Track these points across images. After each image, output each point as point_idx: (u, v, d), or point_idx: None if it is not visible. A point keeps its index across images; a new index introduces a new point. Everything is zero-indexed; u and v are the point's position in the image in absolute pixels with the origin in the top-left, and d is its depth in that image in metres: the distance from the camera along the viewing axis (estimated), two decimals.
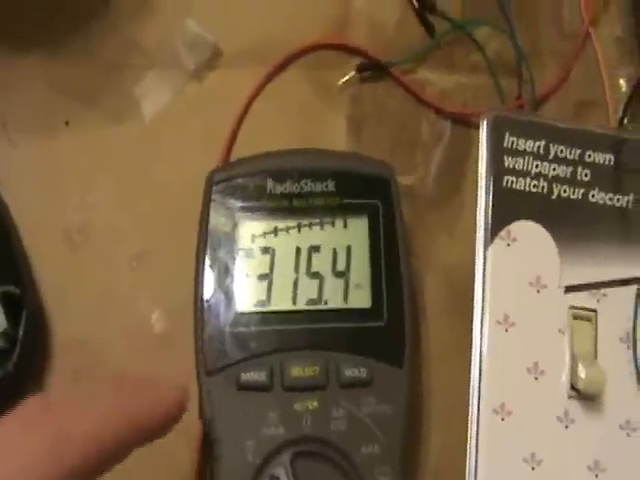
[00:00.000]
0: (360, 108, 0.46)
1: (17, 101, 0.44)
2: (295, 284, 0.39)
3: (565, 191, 0.43)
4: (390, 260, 0.39)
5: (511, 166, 0.43)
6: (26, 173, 0.43)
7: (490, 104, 0.45)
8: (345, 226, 0.39)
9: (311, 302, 0.38)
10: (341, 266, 0.39)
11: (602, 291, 0.42)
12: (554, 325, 0.41)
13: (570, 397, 0.41)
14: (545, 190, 0.43)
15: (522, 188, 0.43)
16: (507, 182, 0.43)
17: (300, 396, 0.37)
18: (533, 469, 0.40)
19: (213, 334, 0.37)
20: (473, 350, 0.41)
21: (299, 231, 0.39)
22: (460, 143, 0.45)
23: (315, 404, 0.37)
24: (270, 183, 0.40)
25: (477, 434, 0.40)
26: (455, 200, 0.44)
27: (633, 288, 0.42)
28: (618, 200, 0.43)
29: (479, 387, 0.41)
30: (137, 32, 0.45)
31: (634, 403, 0.41)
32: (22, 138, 0.44)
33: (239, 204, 0.39)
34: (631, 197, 0.44)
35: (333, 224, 0.39)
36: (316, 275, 0.39)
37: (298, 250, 0.39)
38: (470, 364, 0.41)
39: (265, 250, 0.39)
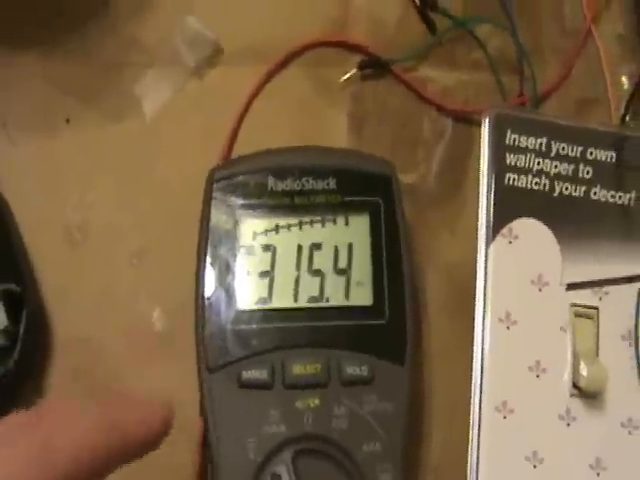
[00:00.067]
0: (361, 106, 0.45)
1: (17, 100, 0.44)
2: (296, 281, 0.39)
3: (567, 188, 0.43)
4: (391, 258, 0.39)
5: (513, 163, 0.43)
6: (26, 171, 0.43)
7: (492, 101, 0.45)
8: (346, 223, 0.39)
9: (312, 300, 0.38)
10: (342, 264, 0.39)
11: (604, 289, 0.42)
12: (556, 323, 0.41)
13: (572, 395, 0.41)
14: (547, 188, 0.43)
15: (524, 185, 0.43)
16: (509, 179, 0.43)
17: (301, 394, 0.37)
18: (535, 467, 0.40)
19: (214, 332, 0.37)
20: (475, 348, 0.41)
21: (300, 228, 0.39)
22: (462, 141, 0.45)
23: (316, 402, 0.37)
24: (271, 180, 0.39)
25: (479, 432, 0.40)
26: (457, 198, 0.44)
27: (635, 286, 0.42)
28: (620, 198, 0.43)
29: (481, 385, 0.40)
30: (137, 30, 0.45)
31: (636, 401, 0.41)
32: (22, 136, 0.44)
33: (240, 202, 0.39)
34: (633, 195, 0.44)
35: (334, 221, 0.39)
36: (317, 272, 0.39)
37: (299, 247, 0.39)
38: (472, 362, 0.41)
39: (266, 247, 0.39)
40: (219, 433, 0.36)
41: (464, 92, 0.46)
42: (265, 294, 0.38)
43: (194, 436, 0.39)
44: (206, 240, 0.39)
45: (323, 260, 0.39)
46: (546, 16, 0.48)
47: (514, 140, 0.44)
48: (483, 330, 0.41)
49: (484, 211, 0.43)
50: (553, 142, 0.44)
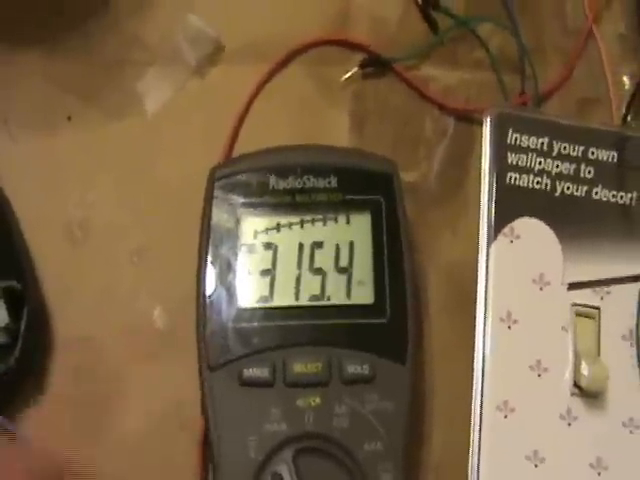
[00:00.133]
0: (363, 104, 0.45)
1: (18, 97, 0.44)
2: (298, 280, 0.38)
3: (568, 188, 0.43)
4: (393, 256, 0.39)
5: (514, 163, 0.43)
6: (27, 169, 0.43)
7: (493, 100, 0.45)
8: (348, 222, 0.39)
9: (314, 298, 0.38)
10: (344, 262, 0.39)
11: (605, 288, 0.42)
12: (557, 322, 0.41)
13: (573, 394, 0.41)
14: (548, 187, 0.43)
15: (525, 185, 0.43)
16: (510, 179, 0.43)
17: (303, 392, 0.37)
18: (536, 466, 0.40)
19: (215, 330, 0.37)
20: (476, 347, 0.41)
21: (302, 227, 0.39)
22: (463, 139, 0.45)
23: (318, 400, 0.37)
24: (272, 179, 0.39)
25: (480, 431, 0.40)
26: (458, 197, 0.44)
27: (636, 285, 0.42)
28: (621, 197, 0.43)
29: (482, 384, 0.40)
30: (138, 28, 0.45)
31: (637, 400, 0.41)
32: (23, 134, 0.43)
33: (241, 200, 0.39)
34: (634, 194, 0.44)
35: (336, 220, 0.39)
36: (319, 271, 0.39)
37: (301, 246, 0.39)
38: (473, 361, 0.41)
39: (268, 246, 0.39)
40: (220, 431, 0.36)
41: (466, 91, 0.46)
42: (266, 292, 0.38)
43: (195, 434, 0.39)
44: (207, 238, 0.39)
45: (324, 258, 0.39)
46: (548, 15, 0.48)
47: (516, 139, 0.44)
48: (484, 329, 0.41)
49: (485, 210, 0.43)
50: (555, 142, 0.44)
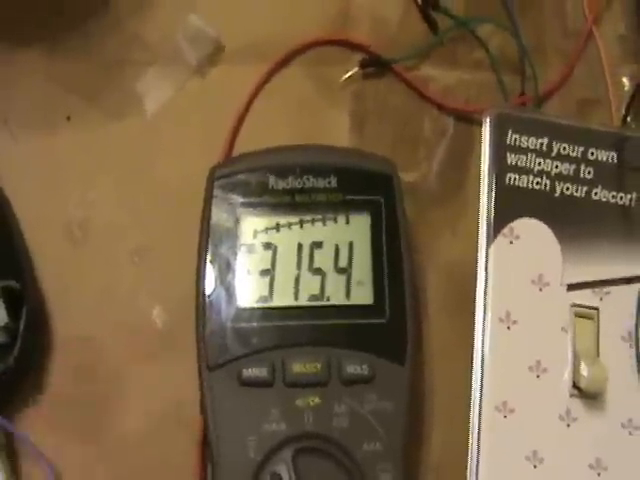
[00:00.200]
0: (362, 104, 0.45)
1: (18, 97, 0.44)
2: (297, 280, 0.38)
3: (568, 189, 0.43)
4: (392, 257, 0.39)
5: (514, 163, 0.43)
6: (27, 168, 0.43)
7: (493, 101, 0.45)
8: (347, 222, 0.39)
9: (313, 298, 0.38)
10: (343, 262, 0.39)
11: (605, 289, 0.42)
12: (556, 323, 0.41)
13: (572, 395, 0.41)
14: (548, 188, 0.43)
15: (525, 185, 0.43)
16: (510, 179, 0.43)
17: (302, 392, 0.37)
18: (535, 467, 0.40)
19: (215, 330, 0.37)
20: (475, 348, 0.41)
21: (301, 227, 0.39)
22: (463, 140, 0.45)
23: (317, 400, 0.37)
24: (272, 179, 0.39)
25: (479, 432, 0.40)
26: (458, 197, 0.44)
27: (636, 286, 0.42)
28: (621, 198, 0.43)
29: (481, 385, 0.40)
30: (138, 27, 0.45)
31: (636, 401, 0.41)
32: (23, 134, 0.43)
33: (241, 200, 0.39)
34: (634, 195, 0.43)
35: (335, 220, 0.39)
36: (318, 271, 0.39)
37: (300, 246, 0.39)
38: (472, 362, 0.41)
39: (267, 246, 0.39)
40: (219, 431, 0.36)
41: (465, 91, 0.46)
42: (266, 292, 0.38)
43: (194, 434, 0.39)
44: (207, 238, 0.39)
45: (324, 259, 0.39)
46: (547, 16, 0.48)
47: (515, 140, 0.43)
48: (483, 330, 0.41)
49: (485, 211, 0.43)
50: (554, 142, 0.44)
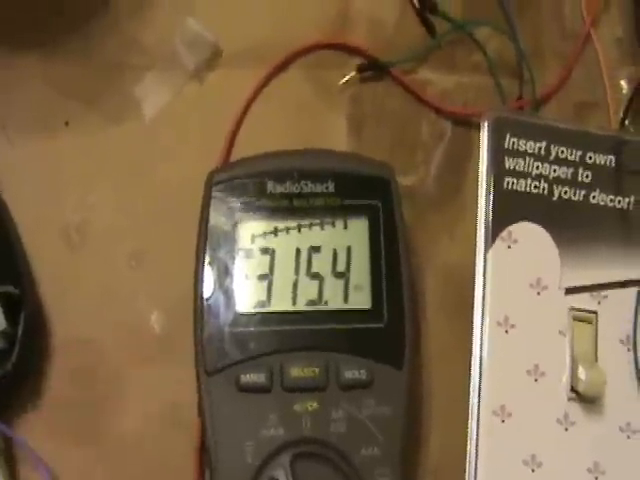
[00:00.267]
0: (360, 108, 0.45)
1: (16, 101, 0.44)
2: (295, 285, 0.38)
3: (566, 192, 0.43)
4: (390, 261, 0.39)
5: (512, 167, 0.43)
6: (25, 173, 0.43)
7: (491, 104, 0.45)
8: (345, 227, 0.39)
9: (311, 303, 0.38)
10: (341, 267, 0.39)
11: (603, 293, 0.42)
12: (554, 327, 0.41)
13: (570, 399, 0.41)
14: (546, 191, 0.43)
15: (523, 189, 0.43)
16: (508, 183, 0.43)
17: (300, 397, 0.37)
18: (533, 471, 0.40)
19: (213, 334, 0.37)
20: (473, 352, 0.41)
21: (299, 231, 0.39)
22: (461, 143, 0.45)
23: (315, 405, 0.37)
24: (270, 183, 0.39)
25: (477, 436, 0.40)
26: (456, 201, 0.44)
27: (634, 290, 0.42)
28: (619, 202, 0.43)
29: (479, 389, 0.40)
30: (137, 31, 0.45)
31: (634, 405, 0.41)
32: (22, 138, 0.43)
33: (239, 204, 0.39)
34: (632, 199, 0.44)
35: (333, 225, 0.39)
36: (316, 276, 0.39)
37: (298, 251, 0.39)
38: (470, 366, 0.41)
39: (265, 250, 0.39)
40: (217, 436, 0.36)
41: (463, 95, 0.46)
42: (264, 297, 0.38)
43: (193, 438, 0.39)
44: (205, 243, 0.39)
45: (322, 263, 0.39)
46: (545, 19, 0.48)
47: (513, 144, 0.44)
48: (482, 334, 0.41)
49: (483, 215, 0.43)
50: (552, 146, 0.44)
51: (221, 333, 0.37)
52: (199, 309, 0.38)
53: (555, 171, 0.43)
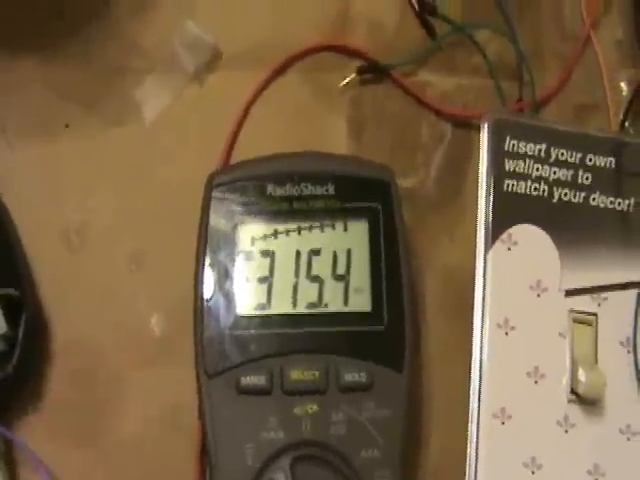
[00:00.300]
0: (360, 110, 0.45)
1: (16, 105, 0.44)
2: (295, 287, 0.38)
3: (566, 194, 0.43)
4: (390, 263, 0.39)
5: (512, 169, 0.43)
6: (25, 176, 0.43)
7: (491, 106, 0.45)
8: (345, 229, 0.39)
9: (311, 305, 0.38)
10: (341, 269, 0.39)
11: (603, 295, 0.42)
12: (554, 329, 0.41)
13: (570, 401, 0.41)
14: (546, 193, 0.43)
15: (523, 191, 0.43)
16: (508, 185, 0.43)
17: (300, 400, 0.37)
18: (533, 473, 0.40)
19: (213, 337, 0.37)
20: (473, 354, 0.41)
21: (299, 234, 0.39)
22: (461, 145, 0.45)
23: (315, 408, 0.37)
24: (270, 186, 0.39)
25: (477, 438, 0.40)
26: (456, 203, 0.44)
27: (634, 292, 0.42)
28: (619, 204, 0.43)
29: (479, 391, 0.40)
30: (136, 34, 0.45)
31: (634, 407, 0.41)
32: (22, 142, 0.43)
33: (239, 207, 0.39)
34: (632, 201, 0.44)
35: (333, 227, 0.39)
36: (316, 278, 0.39)
37: (298, 253, 0.39)
38: (470, 368, 0.41)
39: (265, 253, 0.39)
40: (217, 438, 0.37)
41: (463, 97, 0.46)
42: (264, 300, 0.38)
43: (193, 440, 0.39)
44: (205, 245, 0.39)
45: (322, 266, 0.39)
46: (545, 21, 0.48)
47: (513, 146, 0.44)
48: (482, 336, 0.41)
49: (483, 217, 0.43)
50: (552, 148, 0.44)
51: (221, 336, 0.37)
52: (199, 312, 0.38)
53: (555, 173, 0.43)
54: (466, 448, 0.40)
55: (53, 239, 0.42)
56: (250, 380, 0.37)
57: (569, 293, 0.42)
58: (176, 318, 0.41)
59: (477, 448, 0.40)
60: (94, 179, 0.43)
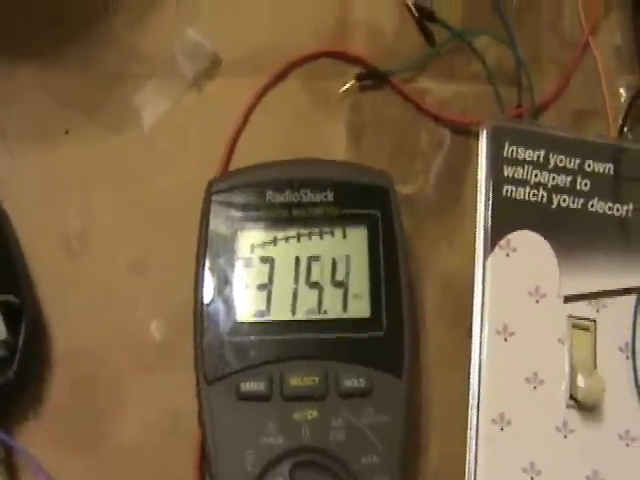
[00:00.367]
0: (360, 117, 0.46)
1: (16, 111, 0.44)
2: (294, 294, 0.39)
3: (565, 200, 0.43)
4: (389, 270, 0.39)
5: (511, 175, 0.43)
6: (25, 182, 0.43)
7: (489, 113, 0.45)
8: (344, 236, 0.39)
9: (310, 312, 0.38)
10: (340, 276, 0.39)
11: (601, 301, 0.42)
12: (553, 335, 0.41)
13: (569, 407, 0.41)
14: (545, 199, 0.43)
15: (522, 197, 0.43)
16: (507, 191, 0.43)
17: (299, 406, 0.37)
18: (532, 479, 0.40)
19: (212, 343, 0.38)
20: (472, 360, 0.41)
21: (298, 241, 0.39)
22: (460, 152, 0.45)
23: (314, 414, 0.37)
24: (269, 193, 0.40)
25: (476, 444, 0.40)
26: (455, 209, 0.44)
27: (632, 298, 0.42)
28: (618, 209, 0.43)
29: (478, 397, 0.40)
30: (136, 41, 0.45)
31: (633, 413, 0.41)
32: (22, 148, 0.44)
33: (238, 214, 0.39)
34: (631, 206, 0.44)
35: (332, 234, 0.39)
36: (315, 285, 0.39)
37: (297, 260, 0.39)
38: (469, 374, 0.41)
39: (264, 260, 0.39)
40: (217, 444, 0.37)
41: (462, 103, 0.46)
42: (263, 307, 0.38)
43: (193, 446, 0.39)
44: (204, 252, 0.39)
45: (321, 272, 0.39)
46: (544, 28, 0.48)
47: (512, 152, 0.44)
48: (481, 342, 0.41)
49: (482, 223, 0.43)
50: (551, 154, 0.44)
51: (221, 342, 0.38)
52: (199, 318, 0.38)
53: (554, 179, 0.43)
54: (465, 453, 0.40)
55: (53, 245, 0.42)
56: (250, 386, 0.37)
57: (568, 299, 0.42)
58: (176, 324, 0.41)
59: (476, 453, 0.40)
60: (94, 185, 0.43)
